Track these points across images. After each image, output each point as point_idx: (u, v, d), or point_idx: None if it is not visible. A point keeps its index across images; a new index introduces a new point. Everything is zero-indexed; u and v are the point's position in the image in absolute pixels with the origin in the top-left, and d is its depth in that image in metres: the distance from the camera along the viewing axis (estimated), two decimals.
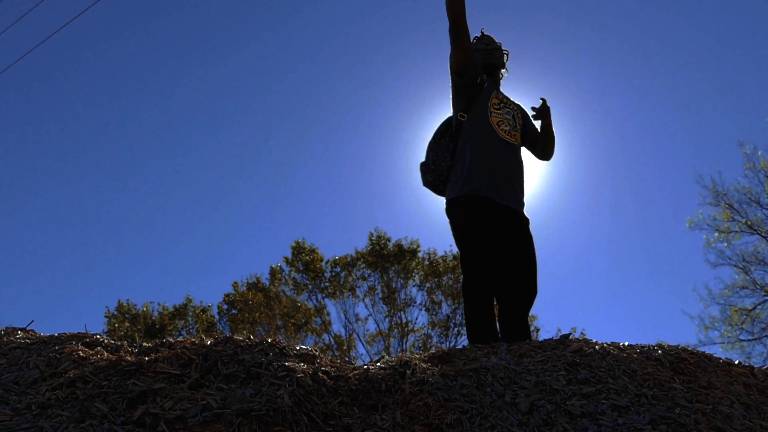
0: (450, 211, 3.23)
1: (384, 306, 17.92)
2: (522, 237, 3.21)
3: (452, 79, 3.33)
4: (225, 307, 18.78)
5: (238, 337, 2.30)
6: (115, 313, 18.60)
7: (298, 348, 2.32)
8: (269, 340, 2.29)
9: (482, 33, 3.53)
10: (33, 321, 2.51)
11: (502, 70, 3.50)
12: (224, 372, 2.04)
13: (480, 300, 3.03)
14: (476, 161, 3.20)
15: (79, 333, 2.40)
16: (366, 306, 18.10)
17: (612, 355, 2.46)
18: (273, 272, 18.68)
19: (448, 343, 17.18)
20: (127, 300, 18.92)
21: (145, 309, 18.92)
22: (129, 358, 2.09)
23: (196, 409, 1.79)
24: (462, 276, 3.13)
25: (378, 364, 2.34)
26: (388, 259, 17.82)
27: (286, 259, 18.59)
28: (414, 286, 18.00)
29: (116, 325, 18.21)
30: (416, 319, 17.88)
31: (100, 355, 2.17)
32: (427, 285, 17.83)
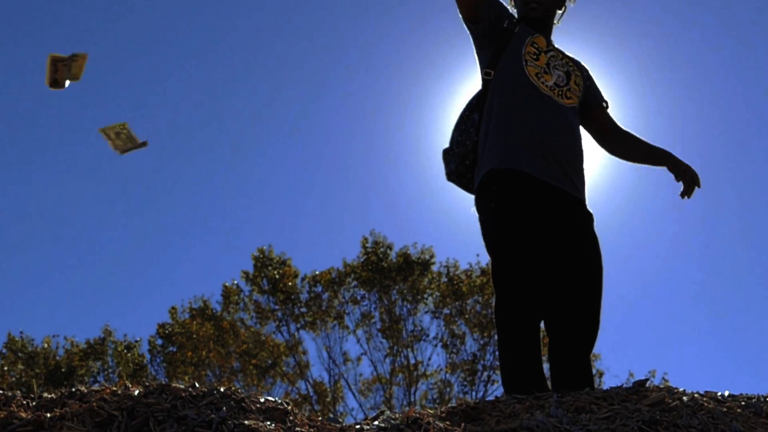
0: (478, 203, 3.19)
1: (384, 341, 17.97)
2: (583, 237, 3.18)
3: (467, 29, 3.37)
4: (159, 342, 18.85)
5: (178, 385, 2.30)
6: (4, 351, 18.66)
7: (262, 400, 2.33)
8: (222, 389, 2.30)
9: None
10: None
11: (559, 12, 3.45)
12: None
13: (520, 329, 2.99)
14: (506, 123, 3.18)
15: None
16: (359, 340, 18.18)
17: (706, 410, 2.47)
18: (227, 293, 18.74)
19: (474, 393, 17.24)
20: (21, 333, 18.99)
21: (46, 345, 18.97)
22: (23, 415, 2.09)
23: None
24: (495, 295, 3.11)
25: (376, 422, 2.35)
26: (389, 274, 17.85)
27: (246, 274, 18.65)
28: (426, 312, 18.05)
29: (5, 368, 18.27)
30: (429, 359, 17.94)
31: None
32: (445, 311, 17.87)
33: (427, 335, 17.87)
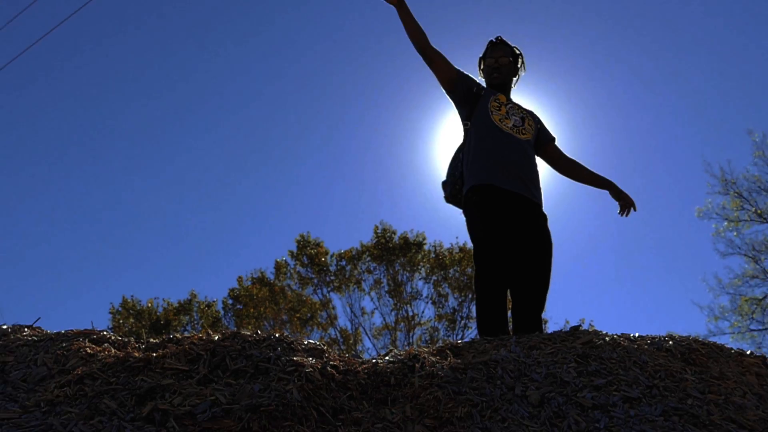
0: (465, 210, 3.25)
1: (390, 299, 17.93)
2: (539, 230, 3.19)
3: (447, 95, 3.44)
4: (230, 302, 18.83)
5: (246, 332, 2.31)
6: (120, 309, 18.64)
7: (306, 343, 2.33)
8: (277, 335, 2.30)
9: (488, 46, 3.50)
10: (39, 318, 2.52)
11: (514, 78, 3.53)
12: (232, 367, 2.05)
13: (492, 292, 3.01)
14: (480, 153, 3.23)
15: (86, 330, 2.41)
16: (372, 299, 18.13)
17: (622, 347, 2.46)
18: (278, 266, 18.72)
19: (455, 336, 17.19)
20: (132, 296, 18.97)
21: (149, 305, 18.95)
22: (137, 355, 2.09)
23: (204, 405, 1.80)
24: (474, 270, 3.13)
25: (386, 358, 2.35)
26: (393, 252, 17.82)
27: (291, 252, 18.61)
28: (420, 279, 18.01)
29: (121, 322, 18.25)
30: (423, 312, 17.90)
31: (108, 351, 2.18)
32: (434, 278, 17.83)
33: (421, 295, 17.85)
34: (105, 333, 2.41)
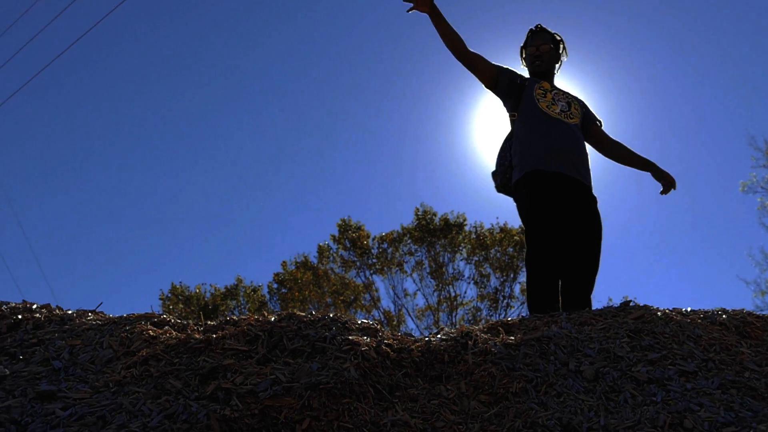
0: (516, 196, 3.27)
1: (432, 280, 17.93)
2: (589, 213, 3.21)
3: (492, 92, 3.45)
4: (275, 286, 19.04)
5: (301, 313, 2.34)
6: (169, 295, 19.02)
7: (359, 322, 2.35)
8: (331, 315, 2.33)
9: (528, 35, 3.50)
10: (101, 303, 2.60)
11: (556, 65, 3.52)
12: (290, 347, 2.09)
13: (543, 271, 3.04)
14: (529, 140, 3.24)
15: (146, 313, 2.48)
16: (414, 281, 18.13)
17: (675, 321, 2.43)
18: (321, 250, 18.84)
19: (497, 315, 17.13)
20: (180, 282, 19.33)
21: (197, 290, 19.28)
22: (197, 336, 2.15)
23: (266, 384, 1.84)
24: (526, 250, 3.16)
25: (438, 336, 2.36)
26: (434, 233, 17.80)
27: (333, 236, 18.72)
28: (461, 259, 17.96)
29: (170, 307, 18.61)
30: (465, 292, 17.86)
31: (169, 333, 2.24)
32: (475, 258, 17.76)
33: (463, 276, 17.81)
34: (165, 316, 2.47)
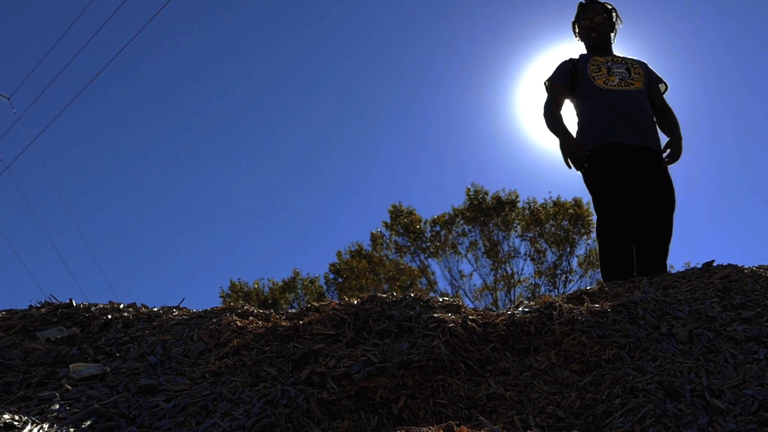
0: (583, 173, 3.23)
1: (487, 260, 17.83)
2: (659, 177, 3.14)
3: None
4: (331, 276, 19.20)
5: (383, 295, 2.35)
6: (229, 292, 19.38)
7: (441, 299, 2.35)
8: (413, 294, 2.33)
9: (579, 9, 3.48)
10: (184, 299, 2.65)
11: (612, 34, 3.47)
12: (376, 328, 2.10)
13: (613, 240, 3.00)
14: (587, 116, 3.25)
15: (229, 306, 2.52)
16: (469, 261, 18.05)
17: (764, 278, 2.36)
18: (374, 238, 18.92)
19: (556, 291, 16.94)
20: (239, 279, 19.68)
21: (256, 286, 19.59)
22: (284, 324, 2.18)
23: (358, 365, 1.85)
24: (596, 219, 3.12)
25: (520, 309, 2.34)
26: (487, 212, 17.67)
27: (386, 223, 18.75)
28: (516, 236, 17.80)
29: (231, 303, 18.94)
30: (522, 269, 17.71)
31: (255, 323, 2.27)
32: (530, 234, 17.58)
33: (519, 253, 17.66)
34: (247, 307, 2.51)
